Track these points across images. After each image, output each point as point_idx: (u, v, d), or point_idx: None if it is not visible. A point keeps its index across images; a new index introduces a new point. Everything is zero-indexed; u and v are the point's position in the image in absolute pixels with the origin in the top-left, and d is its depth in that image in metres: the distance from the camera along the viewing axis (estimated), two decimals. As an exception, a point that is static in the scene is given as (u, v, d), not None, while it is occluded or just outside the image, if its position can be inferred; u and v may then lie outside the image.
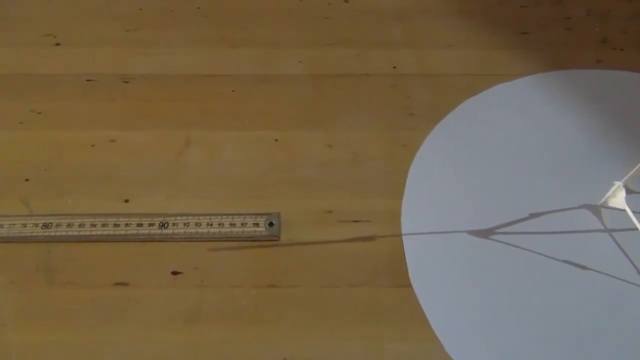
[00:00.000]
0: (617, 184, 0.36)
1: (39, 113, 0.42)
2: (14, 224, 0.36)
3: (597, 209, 0.37)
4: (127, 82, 0.44)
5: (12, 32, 0.47)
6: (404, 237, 0.36)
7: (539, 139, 0.41)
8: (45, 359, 0.32)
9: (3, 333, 0.33)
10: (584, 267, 0.35)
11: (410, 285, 0.35)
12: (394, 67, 0.45)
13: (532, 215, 0.37)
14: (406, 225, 0.37)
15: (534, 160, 0.40)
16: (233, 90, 0.44)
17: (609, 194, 0.37)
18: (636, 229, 0.35)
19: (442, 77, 0.44)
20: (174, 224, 0.36)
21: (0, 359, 0.32)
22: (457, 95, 0.43)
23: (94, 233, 0.36)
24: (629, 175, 0.35)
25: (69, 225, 0.36)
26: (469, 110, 0.42)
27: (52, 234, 0.36)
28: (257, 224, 0.36)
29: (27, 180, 0.39)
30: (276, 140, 0.41)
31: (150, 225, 0.36)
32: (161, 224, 0.36)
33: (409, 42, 0.46)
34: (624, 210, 0.36)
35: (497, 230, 0.37)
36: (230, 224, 0.36)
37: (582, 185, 0.38)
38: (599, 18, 0.48)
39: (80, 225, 0.36)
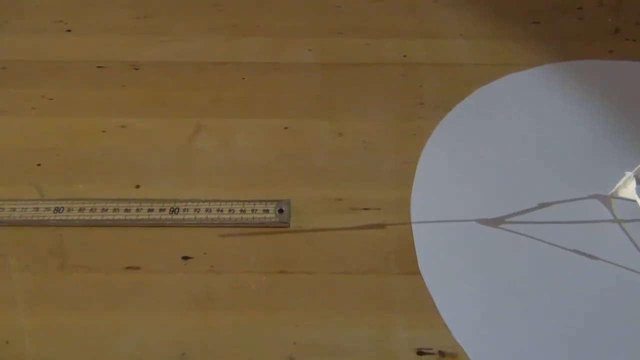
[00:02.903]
0: (628, 174, 0.36)
1: (51, 99, 0.42)
2: (27, 208, 0.36)
3: (607, 199, 0.37)
4: (137, 69, 0.44)
5: (24, 19, 0.47)
6: (413, 225, 0.36)
7: (549, 129, 0.41)
8: (57, 341, 0.33)
9: (16, 315, 0.33)
10: (593, 257, 0.35)
11: (419, 273, 0.35)
12: (405, 56, 0.45)
13: (542, 205, 0.37)
14: (416, 214, 0.37)
15: (545, 150, 0.40)
16: (243, 78, 0.44)
17: (619, 184, 0.37)
18: (646, 219, 0.35)
19: (453, 67, 0.44)
20: (184, 210, 0.36)
21: (13, 341, 0.32)
22: (467, 85, 0.43)
23: (105, 218, 0.36)
24: (640, 165, 0.35)
25: (81, 209, 0.36)
26: (480, 100, 0.42)
27: (64, 218, 0.36)
28: (267, 211, 0.37)
29: (39, 165, 0.39)
30: (286, 128, 0.41)
31: (161, 210, 0.36)
32: (172, 210, 0.36)
33: (420, 32, 0.46)
34: (635, 201, 0.36)
35: (507, 220, 0.37)
36: (241, 210, 0.36)
37: (592, 175, 0.38)
38: (611, 8, 0.48)
39: (92, 210, 0.36)
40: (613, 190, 0.37)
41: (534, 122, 0.41)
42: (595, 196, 0.37)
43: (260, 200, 0.37)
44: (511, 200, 0.37)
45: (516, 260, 0.35)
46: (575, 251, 0.35)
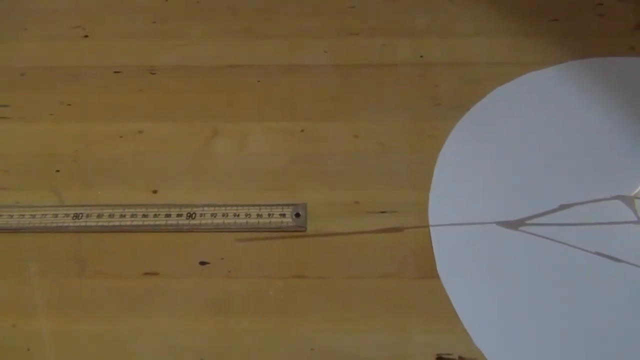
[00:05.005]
0: (652, 174, 0.35)
1: (69, 105, 0.43)
2: (46, 214, 0.37)
3: (630, 200, 0.37)
4: (153, 73, 0.44)
5: (42, 24, 0.48)
6: (431, 228, 0.36)
7: (569, 128, 0.40)
8: (76, 346, 0.33)
9: (36, 320, 0.34)
10: (616, 260, 0.34)
11: (437, 277, 0.34)
12: (421, 57, 0.44)
13: (563, 207, 0.36)
14: (433, 216, 0.37)
15: (565, 150, 0.39)
16: (259, 81, 0.44)
17: (642, 184, 0.36)
18: (671, 220, 0.34)
19: (470, 66, 0.43)
20: (201, 215, 0.36)
21: (33, 345, 0.33)
22: (485, 85, 0.42)
23: (123, 223, 0.36)
24: (664, 165, 0.34)
25: (99, 215, 0.37)
26: (498, 99, 0.42)
27: (83, 224, 0.36)
28: (283, 215, 0.36)
29: (57, 171, 0.39)
30: (302, 130, 0.41)
31: (178, 215, 0.36)
32: (189, 215, 0.36)
33: (436, 31, 0.46)
34: (659, 202, 0.35)
35: (527, 222, 0.36)
36: (257, 215, 0.36)
37: (614, 175, 0.38)
38: (632, 4, 0.47)
39: (110, 215, 0.37)
40: (637, 191, 0.36)
41: (554, 122, 0.40)
42: (618, 197, 0.37)
43: (277, 205, 0.37)
44: (531, 202, 0.37)
45: (537, 263, 0.35)
46: (598, 253, 0.35)
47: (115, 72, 0.44)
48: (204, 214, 0.37)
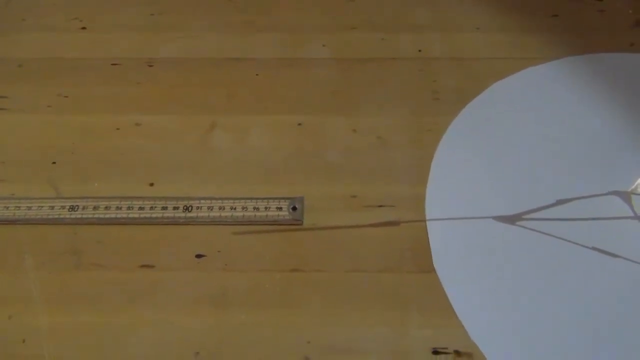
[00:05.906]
0: (649, 170, 0.35)
1: (66, 97, 0.43)
2: (42, 207, 0.37)
3: (627, 196, 0.37)
4: (151, 66, 0.44)
5: (40, 16, 0.48)
6: (428, 223, 0.36)
7: (567, 123, 0.40)
8: (72, 338, 0.33)
9: (31, 312, 0.34)
10: (613, 255, 0.34)
11: (434, 271, 0.34)
12: (420, 51, 0.44)
13: (560, 202, 0.36)
14: (431, 211, 0.36)
15: (563, 146, 0.39)
16: (257, 74, 0.43)
17: (639, 180, 0.36)
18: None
19: (470, 61, 0.43)
20: (198, 208, 0.36)
21: (29, 337, 0.33)
22: (484, 80, 0.42)
23: (119, 216, 0.36)
24: (662, 161, 0.34)
25: (95, 208, 0.37)
26: (496, 94, 0.42)
27: (79, 216, 0.36)
28: (280, 208, 0.36)
29: (54, 163, 0.39)
30: (300, 124, 0.41)
31: (175, 208, 0.36)
32: (185, 208, 0.36)
33: (435, 25, 0.45)
34: (656, 198, 0.35)
35: (524, 217, 0.36)
36: (254, 208, 0.36)
37: (611, 171, 0.38)
38: (632, 0, 0.47)
39: (106, 208, 0.37)
40: (633, 187, 0.36)
41: (553, 117, 0.40)
42: (615, 192, 0.37)
43: (274, 198, 0.37)
44: (528, 197, 0.37)
45: (533, 258, 0.35)
46: (594, 249, 0.35)
47: (113, 64, 0.44)
48: (201, 206, 0.36)
